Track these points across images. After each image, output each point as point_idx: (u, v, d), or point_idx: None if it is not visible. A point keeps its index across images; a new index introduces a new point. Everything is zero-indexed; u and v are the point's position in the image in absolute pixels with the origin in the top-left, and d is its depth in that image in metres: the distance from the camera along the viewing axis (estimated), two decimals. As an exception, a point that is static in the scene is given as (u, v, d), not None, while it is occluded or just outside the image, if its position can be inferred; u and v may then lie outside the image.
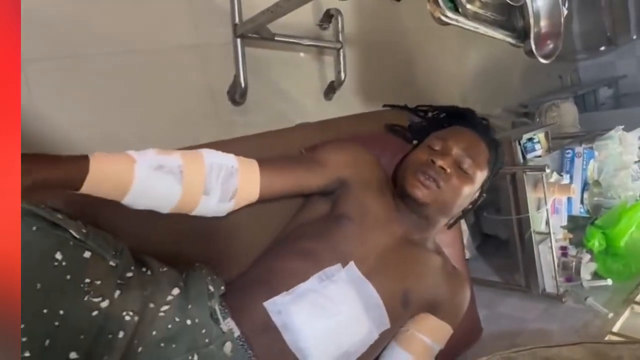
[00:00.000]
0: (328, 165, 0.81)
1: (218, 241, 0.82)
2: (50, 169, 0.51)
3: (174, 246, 0.77)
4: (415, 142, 0.98)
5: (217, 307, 0.66)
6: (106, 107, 1.19)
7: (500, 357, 0.82)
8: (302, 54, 1.70)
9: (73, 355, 0.52)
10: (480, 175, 0.85)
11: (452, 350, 0.94)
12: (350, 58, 1.76)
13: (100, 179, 0.55)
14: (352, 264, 0.74)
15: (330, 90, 1.76)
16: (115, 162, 0.58)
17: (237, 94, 1.43)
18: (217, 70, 1.43)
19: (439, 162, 0.79)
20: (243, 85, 1.42)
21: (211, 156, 0.67)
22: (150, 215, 0.65)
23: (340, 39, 1.68)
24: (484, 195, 0.90)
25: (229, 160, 0.68)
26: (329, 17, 1.70)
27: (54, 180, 0.52)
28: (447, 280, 0.85)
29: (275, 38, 1.41)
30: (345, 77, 1.71)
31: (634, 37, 2.75)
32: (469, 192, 0.84)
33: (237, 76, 1.43)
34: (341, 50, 1.69)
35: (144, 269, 0.64)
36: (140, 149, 1.36)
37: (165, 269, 0.66)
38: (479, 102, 2.49)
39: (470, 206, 0.90)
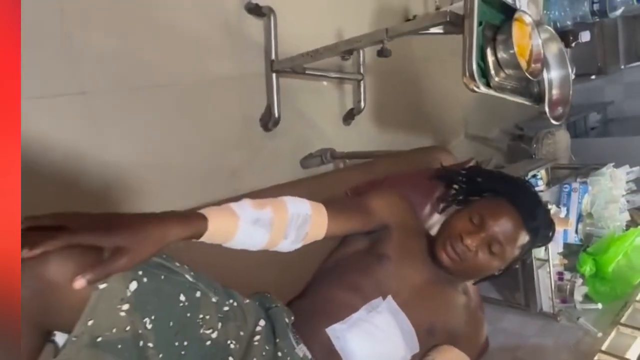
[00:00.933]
0: (375, 212, 0.94)
1: (271, 272, 0.95)
2: (184, 230, 0.64)
3: (232, 275, 0.90)
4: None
5: (290, 334, 0.80)
6: (154, 131, 1.31)
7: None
8: (325, 83, 1.83)
9: None
10: (510, 255, 0.90)
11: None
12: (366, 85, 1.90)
13: (213, 234, 0.68)
14: (390, 297, 0.88)
15: (349, 116, 1.89)
16: (224, 218, 0.70)
17: (270, 123, 1.56)
18: (251, 98, 1.56)
19: (466, 241, 0.86)
20: (277, 115, 1.54)
21: (292, 206, 0.78)
22: (210, 249, 0.73)
23: (362, 70, 1.82)
24: (517, 266, 0.96)
25: (305, 208, 0.80)
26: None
27: (185, 237, 0.65)
28: (468, 319, 0.97)
29: (306, 72, 1.54)
30: (364, 106, 1.85)
31: (622, 67, 2.95)
32: (495, 266, 0.90)
33: (270, 106, 1.55)
34: (362, 82, 1.82)
35: (231, 301, 0.76)
36: (183, 168, 1.47)
37: (247, 300, 0.78)
38: (480, 124, 2.67)
39: (499, 273, 0.94)
